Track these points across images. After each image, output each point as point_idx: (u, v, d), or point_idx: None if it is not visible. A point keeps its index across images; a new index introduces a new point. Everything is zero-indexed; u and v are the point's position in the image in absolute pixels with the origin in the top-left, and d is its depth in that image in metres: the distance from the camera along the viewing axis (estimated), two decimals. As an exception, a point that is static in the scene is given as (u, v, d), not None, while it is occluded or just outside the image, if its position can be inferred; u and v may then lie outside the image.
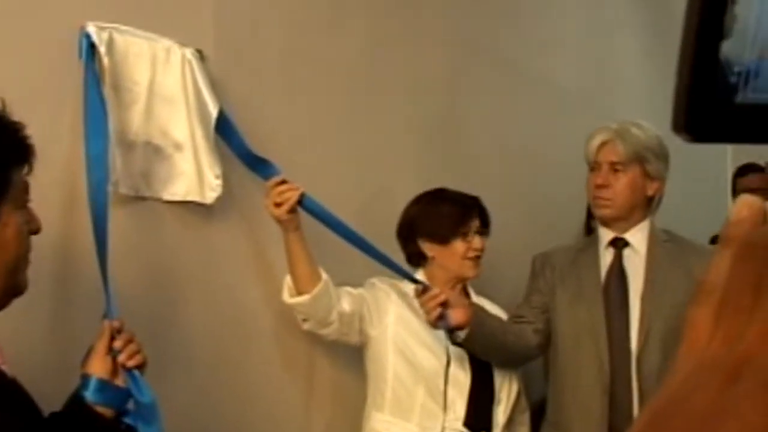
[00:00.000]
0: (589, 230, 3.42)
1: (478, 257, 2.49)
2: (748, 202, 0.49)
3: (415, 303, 2.41)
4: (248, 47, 2.44)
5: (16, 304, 1.38)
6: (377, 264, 2.42)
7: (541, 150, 3.59)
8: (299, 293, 2.30)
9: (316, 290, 2.28)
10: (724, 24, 0.44)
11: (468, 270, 2.49)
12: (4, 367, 1.33)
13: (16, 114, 1.31)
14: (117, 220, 1.93)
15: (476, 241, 2.48)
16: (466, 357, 2.44)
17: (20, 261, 1.33)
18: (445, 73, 3.15)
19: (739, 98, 0.45)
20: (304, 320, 2.36)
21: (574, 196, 3.44)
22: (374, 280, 2.52)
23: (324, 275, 2.31)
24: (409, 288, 2.44)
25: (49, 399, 1.48)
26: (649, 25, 4.50)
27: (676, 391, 0.48)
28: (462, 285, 2.53)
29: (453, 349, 2.38)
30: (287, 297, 2.33)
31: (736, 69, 0.45)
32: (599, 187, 2.52)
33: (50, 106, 1.94)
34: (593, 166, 2.56)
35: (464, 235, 2.47)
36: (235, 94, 2.36)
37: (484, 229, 2.52)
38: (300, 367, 2.62)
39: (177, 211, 2.24)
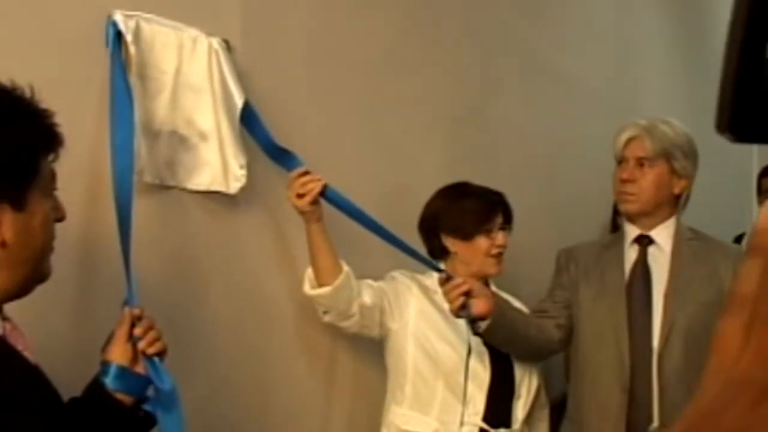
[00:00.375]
0: (615, 227, 3.40)
1: (500, 254, 2.48)
2: None
3: (437, 297, 2.40)
4: (275, 38, 2.43)
5: (39, 290, 1.39)
6: (399, 257, 2.42)
7: (566, 147, 3.58)
8: (320, 285, 2.29)
9: (337, 282, 2.27)
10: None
11: (490, 267, 2.48)
12: (27, 353, 1.33)
13: (42, 101, 1.31)
14: (141, 208, 1.94)
15: (499, 238, 2.47)
16: (486, 352, 2.43)
17: (46, 249, 1.34)
18: (470, 68, 3.14)
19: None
20: (325, 312, 2.36)
21: (599, 192, 3.43)
22: (395, 273, 2.51)
23: (345, 267, 2.30)
24: (431, 282, 2.44)
25: (69, 385, 1.49)
26: (674, 23, 4.47)
27: (708, 407, 0.47)
28: (484, 280, 2.52)
29: (473, 343, 2.36)
30: (308, 289, 2.33)
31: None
32: (624, 181, 2.50)
33: (76, 95, 1.94)
34: (620, 161, 2.54)
35: (488, 232, 2.46)
36: (260, 85, 2.36)
37: (507, 225, 2.51)
38: (321, 359, 2.62)
39: (201, 201, 2.24)
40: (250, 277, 2.39)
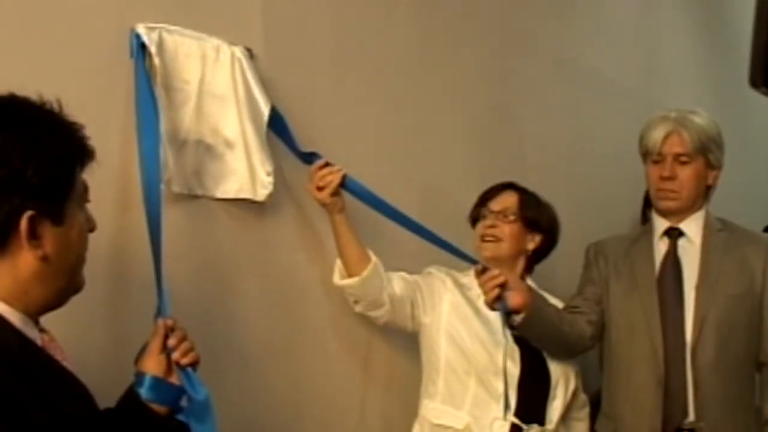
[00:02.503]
0: (645, 220, 3.38)
1: (486, 236, 2.50)
2: None
3: (471, 293, 2.40)
4: (297, 44, 2.44)
5: (73, 302, 1.40)
6: (433, 253, 2.43)
7: (592, 142, 3.57)
8: (350, 275, 2.32)
9: (365, 272, 2.30)
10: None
11: (481, 250, 2.51)
12: (66, 363, 1.34)
13: (70, 115, 1.33)
14: (170, 218, 1.95)
15: (487, 220, 2.52)
16: (517, 350, 2.41)
17: (81, 260, 1.36)
18: (495, 66, 3.14)
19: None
20: (356, 302, 2.38)
21: (627, 186, 3.42)
22: (431, 268, 2.53)
23: (373, 258, 2.32)
24: (468, 279, 2.44)
25: (103, 395, 1.49)
26: (699, 19, 4.44)
27: None
28: (521, 274, 2.53)
29: (506, 341, 2.35)
30: (338, 279, 2.35)
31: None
32: (665, 179, 2.47)
33: (102, 107, 1.96)
34: (657, 159, 2.51)
35: (483, 218, 2.53)
36: (284, 91, 2.36)
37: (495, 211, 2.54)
38: (355, 360, 2.62)
39: (229, 209, 2.25)
40: (281, 284, 2.39)
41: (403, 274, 2.44)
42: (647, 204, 3.39)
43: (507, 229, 2.49)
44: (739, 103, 4.43)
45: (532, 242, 2.54)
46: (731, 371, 2.43)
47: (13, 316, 1.25)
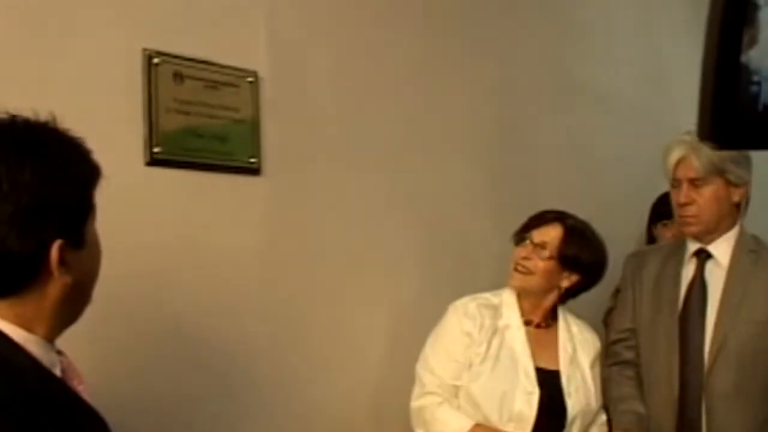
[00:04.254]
0: (651, 239, 3.38)
1: (518, 266, 2.45)
2: None
3: (501, 322, 2.42)
4: (302, 66, 2.47)
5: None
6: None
7: (602, 160, 3.57)
8: None
9: None
10: (744, 34, 0.45)
11: (510, 279, 2.47)
12: (84, 392, 1.33)
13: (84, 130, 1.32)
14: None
15: (517, 251, 2.47)
16: (536, 393, 2.36)
17: (97, 276, 1.35)
18: (502, 85, 3.15)
19: (762, 106, 0.46)
20: None
21: (635, 205, 3.42)
22: (451, 308, 2.48)
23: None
24: (498, 299, 2.46)
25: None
26: (700, 30, 4.43)
27: None
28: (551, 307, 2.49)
29: (524, 383, 2.35)
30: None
31: (756, 78, 0.46)
32: (682, 205, 2.44)
33: (113, 125, 2.00)
34: (673, 184, 2.48)
35: (523, 245, 2.47)
36: (288, 113, 2.40)
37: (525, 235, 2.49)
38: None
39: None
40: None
41: (455, 385, 2.40)
42: (653, 220, 3.40)
43: (541, 265, 2.42)
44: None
45: (567, 280, 2.46)
46: (752, 400, 2.36)
47: (32, 343, 1.22)
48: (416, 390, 2.42)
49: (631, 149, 3.75)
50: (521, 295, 2.46)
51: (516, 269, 2.45)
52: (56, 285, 1.22)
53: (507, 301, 2.47)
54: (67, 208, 1.23)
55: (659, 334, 2.47)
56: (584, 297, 2.56)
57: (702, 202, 2.41)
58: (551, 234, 2.44)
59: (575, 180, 3.43)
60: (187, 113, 2.20)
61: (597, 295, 2.69)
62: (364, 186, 2.44)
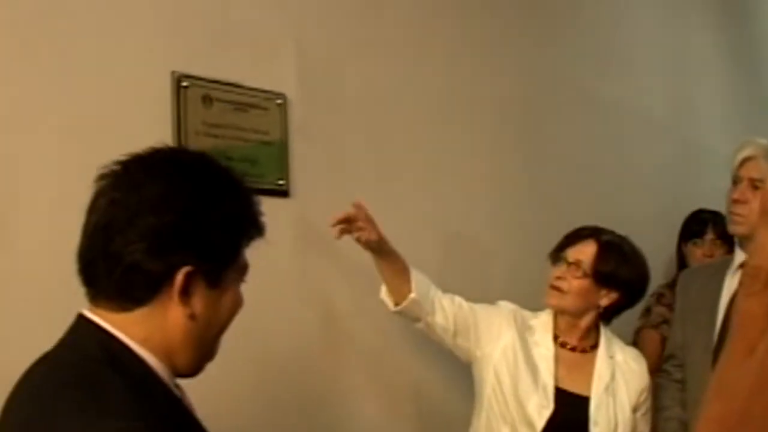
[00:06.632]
0: (681, 257, 3.34)
1: (553, 285, 2.40)
2: None
3: (532, 339, 2.38)
4: (330, 89, 2.48)
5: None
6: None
7: (624, 176, 3.55)
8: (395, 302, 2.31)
9: (400, 306, 2.29)
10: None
11: (546, 296, 2.43)
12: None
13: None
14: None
15: (552, 271, 2.43)
16: (551, 407, 2.31)
17: (224, 330, 1.33)
18: (529, 106, 3.14)
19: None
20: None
21: (663, 224, 3.39)
22: (503, 302, 2.48)
23: (412, 294, 2.27)
24: (534, 321, 2.43)
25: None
26: (726, 49, 4.43)
27: (746, 401, 0.45)
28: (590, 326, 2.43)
29: (545, 393, 2.31)
30: (383, 293, 2.33)
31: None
32: (736, 202, 2.41)
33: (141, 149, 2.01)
34: (734, 180, 2.45)
35: (558, 264, 2.43)
36: (317, 136, 2.41)
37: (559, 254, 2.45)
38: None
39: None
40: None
41: (460, 302, 2.38)
42: (683, 238, 3.36)
43: (575, 284, 2.36)
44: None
45: (606, 298, 2.38)
46: None
47: (162, 371, 1.22)
48: None
49: (659, 168, 3.73)
50: (557, 314, 2.43)
51: (551, 288, 2.40)
52: (176, 312, 1.21)
53: (542, 320, 2.43)
54: (209, 243, 1.22)
55: (697, 353, 2.44)
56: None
57: (755, 205, 2.35)
58: (585, 251, 2.39)
59: (602, 198, 3.41)
60: (216, 136, 2.20)
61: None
62: (392, 206, 2.44)
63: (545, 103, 3.23)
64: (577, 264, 2.37)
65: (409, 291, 2.28)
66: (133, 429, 1.07)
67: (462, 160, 2.88)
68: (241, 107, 2.26)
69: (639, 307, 3.10)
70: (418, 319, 2.34)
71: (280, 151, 2.34)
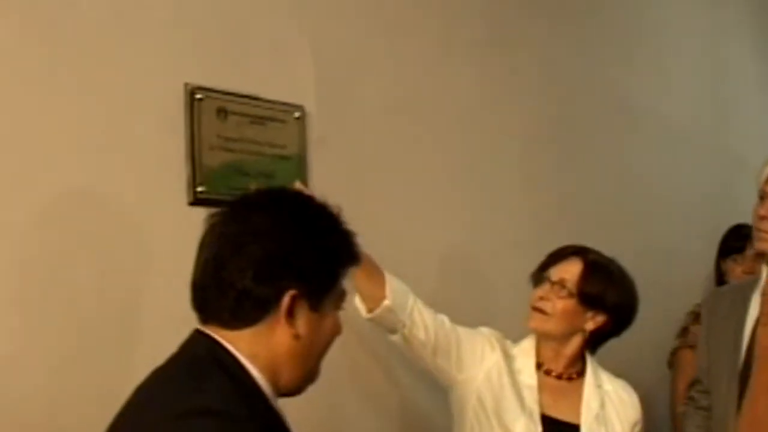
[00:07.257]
0: (719, 273, 3.25)
1: (535, 307, 2.26)
2: None
3: (514, 365, 2.27)
4: (349, 101, 2.43)
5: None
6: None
7: (659, 185, 3.50)
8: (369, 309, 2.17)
9: (373, 314, 2.15)
10: None
11: (528, 320, 2.29)
12: None
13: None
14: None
15: (533, 292, 2.29)
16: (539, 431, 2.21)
17: (325, 352, 1.44)
18: (560, 120, 3.11)
19: None
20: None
21: (702, 240, 3.32)
22: (485, 329, 2.34)
23: (386, 301, 2.13)
24: (515, 350, 2.30)
25: None
26: (763, 59, 4.37)
27: None
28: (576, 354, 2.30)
29: (527, 421, 2.18)
30: (357, 301, 2.18)
31: None
32: (762, 218, 2.29)
33: (157, 162, 1.98)
34: (761, 194, 2.34)
35: (541, 285, 2.29)
36: (336, 149, 2.36)
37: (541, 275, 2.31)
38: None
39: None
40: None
41: (443, 321, 2.24)
42: (722, 254, 3.27)
43: (560, 305, 2.22)
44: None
45: (592, 321, 2.24)
46: None
47: (266, 387, 1.33)
48: None
49: (698, 179, 3.67)
50: (541, 340, 2.29)
51: (533, 308, 2.26)
52: (283, 333, 1.33)
53: (524, 347, 2.30)
54: (311, 270, 1.34)
55: (723, 379, 2.33)
56: (647, 336, 2.44)
57: None
58: (570, 270, 2.25)
59: (637, 212, 3.35)
60: (231, 150, 2.15)
61: (657, 332, 2.58)
62: (412, 223, 2.38)
63: (584, 111, 3.20)
64: (561, 283, 2.23)
65: (383, 297, 2.14)
66: (225, 415, 1.19)
67: (486, 172, 2.82)
68: (258, 120, 2.20)
69: (675, 326, 3.00)
70: (394, 330, 2.19)
71: (298, 166, 2.27)
